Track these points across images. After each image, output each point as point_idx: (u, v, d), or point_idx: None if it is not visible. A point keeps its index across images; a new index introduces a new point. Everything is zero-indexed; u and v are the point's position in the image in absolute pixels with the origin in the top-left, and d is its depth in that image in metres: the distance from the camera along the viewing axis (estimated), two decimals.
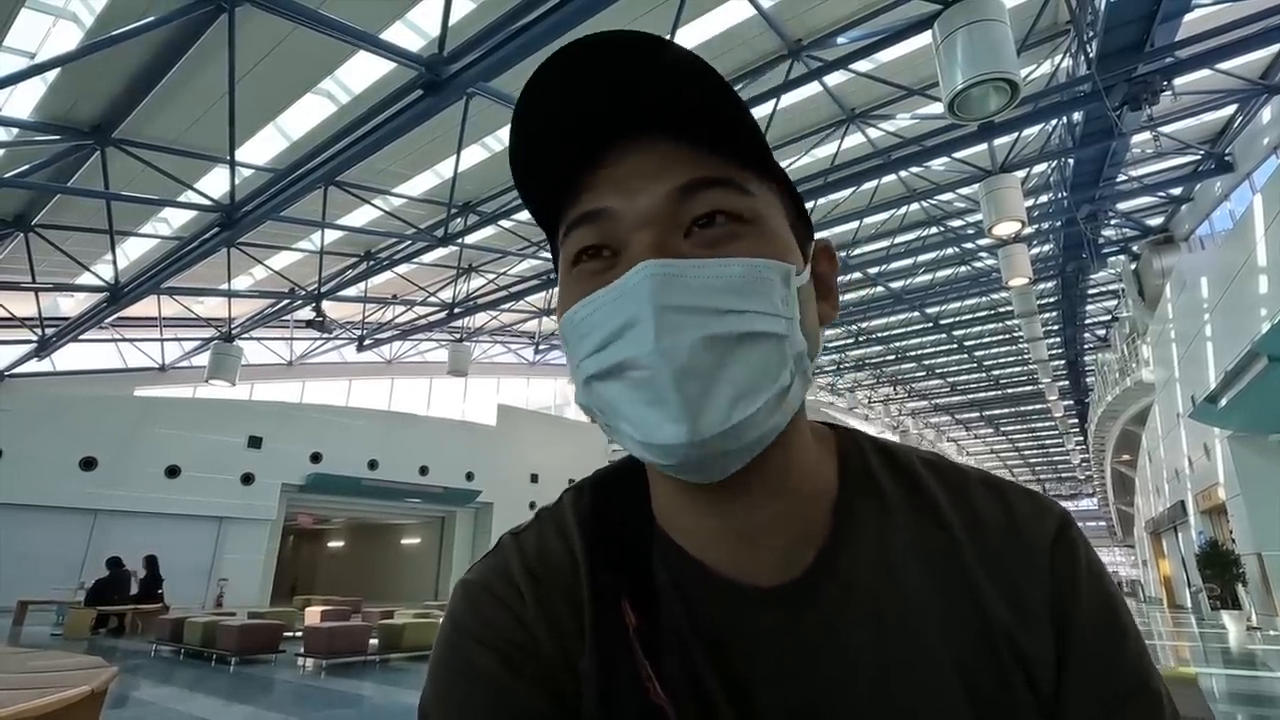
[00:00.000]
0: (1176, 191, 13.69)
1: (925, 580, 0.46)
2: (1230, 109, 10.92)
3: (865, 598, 0.46)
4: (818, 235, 0.51)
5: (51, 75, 7.14)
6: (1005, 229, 9.21)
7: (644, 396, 0.40)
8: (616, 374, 0.42)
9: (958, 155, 9.28)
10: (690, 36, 7.61)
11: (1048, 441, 41.69)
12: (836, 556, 0.47)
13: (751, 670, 0.45)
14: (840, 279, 0.53)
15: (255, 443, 18.17)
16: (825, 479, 0.49)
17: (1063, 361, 25.46)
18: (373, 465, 19.85)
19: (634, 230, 0.43)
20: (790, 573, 0.46)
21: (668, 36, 6.13)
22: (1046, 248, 15.70)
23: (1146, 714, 0.44)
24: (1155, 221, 15.21)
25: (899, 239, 14.20)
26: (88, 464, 15.66)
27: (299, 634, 9.34)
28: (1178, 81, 7.77)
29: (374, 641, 8.75)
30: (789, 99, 8.40)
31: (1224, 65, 8.36)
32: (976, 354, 24.56)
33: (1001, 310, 19.49)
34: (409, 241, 11.60)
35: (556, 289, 0.53)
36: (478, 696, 0.45)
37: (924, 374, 27.55)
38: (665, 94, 0.42)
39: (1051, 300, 19.45)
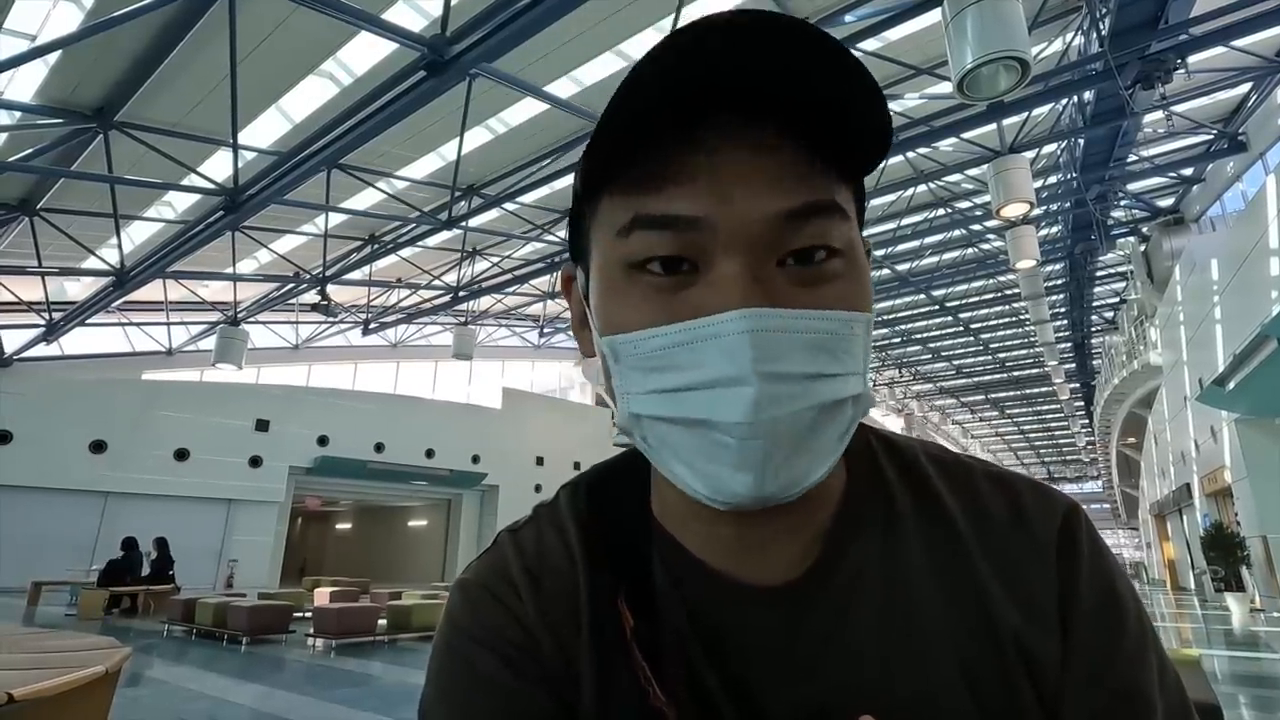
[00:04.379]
0: (1188, 172, 13.51)
1: (929, 578, 0.45)
2: (1245, 87, 10.74)
3: (869, 596, 0.45)
4: None
5: (53, 58, 7.10)
6: (1013, 210, 9.11)
7: (720, 457, 0.38)
8: (690, 426, 0.38)
9: (966, 136, 9.17)
10: (696, 15, 7.49)
11: (1053, 424, 41.61)
12: (841, 555, 0.46)
13: (754, 670, 0.44)
14: None
15: (263, 426, 18.30)
16: (832, 476, 0.48)
17: (1069, 344, 25.34)
18: (379, 448, 19.97)
19: (725, 249, 0.38)
20: (794, 572, 0.45)
21: (672, 16, 5.90)
22: (1055, 229, 15.55)
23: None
24: (1166, 203, 15.03)
25: (905, 221, 14.09)
26: (98, 447, 15.81)
27: (308, 615, 9.46)
28: (1191, 59, 7.65)
29: (382, 622, 8.86)
30: None
31: (1239, 42, 8.19)
32: (982, 337, 24.46)
33: (1008, 293, 19.37)
34: (413, 225, 11.57)
35: (564, 272, 0.50)
36: (480, 699, 0.45)
37: (929, 357, 27.46)
38: (805, 84, 0.36)
39: (1059, 283, 19.31)
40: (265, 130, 9.11)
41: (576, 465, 21.45)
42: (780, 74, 0.36)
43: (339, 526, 30.73)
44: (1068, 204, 13.28)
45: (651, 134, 0.38)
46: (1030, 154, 10.49)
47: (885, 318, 21.77)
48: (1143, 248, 16.33)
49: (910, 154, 10.56)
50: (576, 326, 0.48)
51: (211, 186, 8.88)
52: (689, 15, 7.13)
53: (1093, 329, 24.58)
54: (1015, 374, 29.69)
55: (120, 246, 10.84)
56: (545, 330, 21.66)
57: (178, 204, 11.08)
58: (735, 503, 0.38)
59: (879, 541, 0.46)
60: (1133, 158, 12.00)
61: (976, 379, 31.05)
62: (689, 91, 0.37)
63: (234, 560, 17.34)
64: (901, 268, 16.95)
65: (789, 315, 0.37)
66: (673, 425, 0.39)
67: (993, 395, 34.38)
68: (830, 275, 0.40)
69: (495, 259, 14.85)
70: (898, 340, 24.76)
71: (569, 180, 7.66)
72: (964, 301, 20.58)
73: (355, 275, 13.77)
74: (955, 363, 28.51)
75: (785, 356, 0.37)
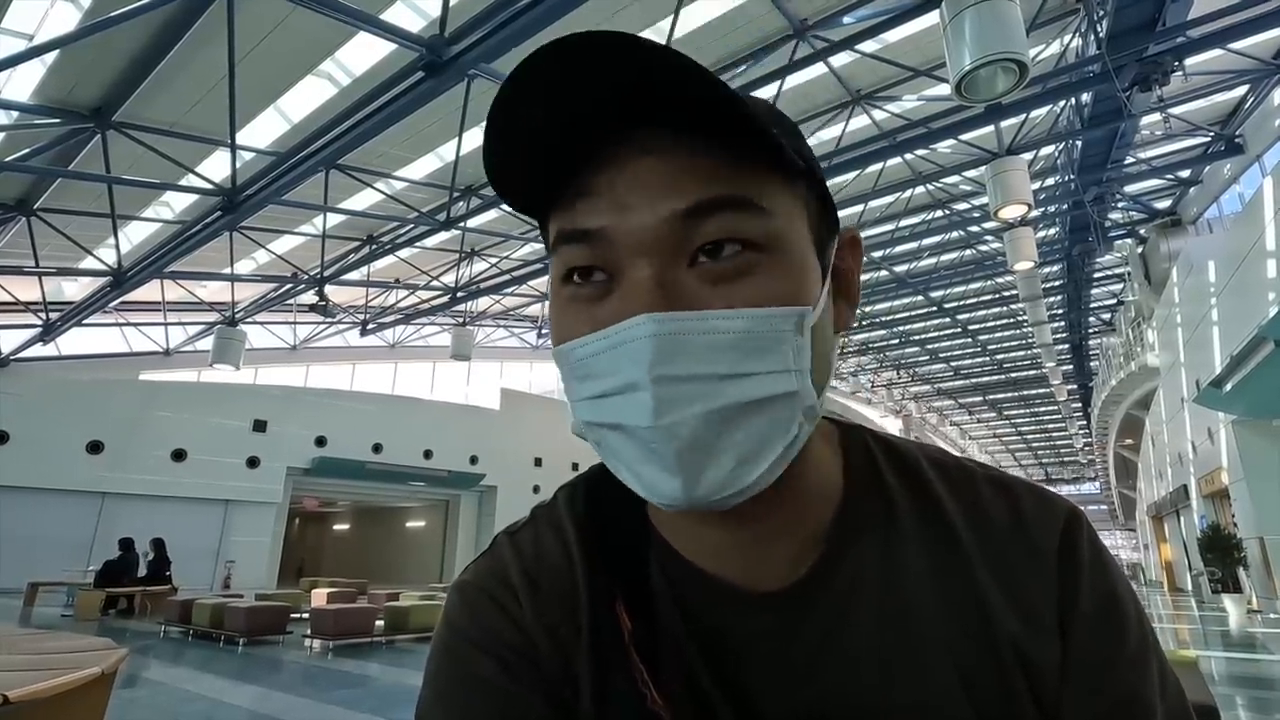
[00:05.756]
0: (1185, 174, 13.54)
1: (928, 582, 0.45)
2: (1242, 90, 10.77)
3: (867, 601, 0.45)
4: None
5: (50, 57, 7.08)
6: (1011, 212, 9.13)
7: (644, 457, 0.38)
8: (614, 430, 0.39)
9: (964, 137, 9.18)
10: (695, 16, 7.52)
11: (1050, 425, 41.66)
12: (839, 559, 0.46)
13: (751, 674, 0.44)
14: None
15: (260, 426, 18.27)
16: (830, 480, 0.48)
17: (1067, 346, 25.39)
18: (377, 449, 19.95)
19: (631, 256, 0.38)
20: (791, 576, 0.45)
21: (672, 16, 5.98)
22: (1052, 231, 15.58)
23: None
24: (1163, 204, 15.06)
25: (904, 222, 14.10)
26: (95, 447, 15.77)
27: (306, 615, 9.44)
28: (1189, 61, 7.66)
29: (380, 623, 8.85)
30: (794, 80, 8.33)
31: (1236, 45, 8.23)
32: (980, 338, 24.50)
33: (1006, 294, 19.41)
34: (411, 225, 11.56)
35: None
36: (477, 702, 0.44)
37: (927, 358, 27.49)
38: (677, 84, 0.36)
39: (1057, 284, 19.36)
40: (263, 130, 9.10)
41: (575, 466, 21.42)
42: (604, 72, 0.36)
43: (337, 527, 30.67)
44: (1065, 206, 13.30)
45: (553, 178, 0.40)
46: (1028, 156, 10.52)
47: (883, 319, 21.80)
48: (1140, 249, 16.36)
49: (908, 155, 10.57)
50: None
51: (209, 187, 8.86)
52: (688, 15, 7.15)
53: (1090, 330, 24.62)
54: (1013, 375, 29.74)
55: (118, 247, 10.82)
56: (543, 331, 21.65)
57: (175, 204, 11.05)
58: (675, 505, 0.39)
59: (878, 546, 0.46)
60: (1130, 160, 12.02)
61: (974, 380, 31.10)
62: (553, 119, 0.38)
63: (231, 561, 17.30)
64: (899, 269, 16.98)
65: (690, 317, 0.37)
66: (606, 430, 0.40)
67: (990, 397, 34.43)
68: (746, 269, 0.39)
69: (493, 260, 14.84)
70: (895, 342, 24.80)
71: None
72: (962, 303, 20.61)
73: (353, 276, 13.76)
74: (953, 364, 28.55)
75: (688, 358, 0.37)
